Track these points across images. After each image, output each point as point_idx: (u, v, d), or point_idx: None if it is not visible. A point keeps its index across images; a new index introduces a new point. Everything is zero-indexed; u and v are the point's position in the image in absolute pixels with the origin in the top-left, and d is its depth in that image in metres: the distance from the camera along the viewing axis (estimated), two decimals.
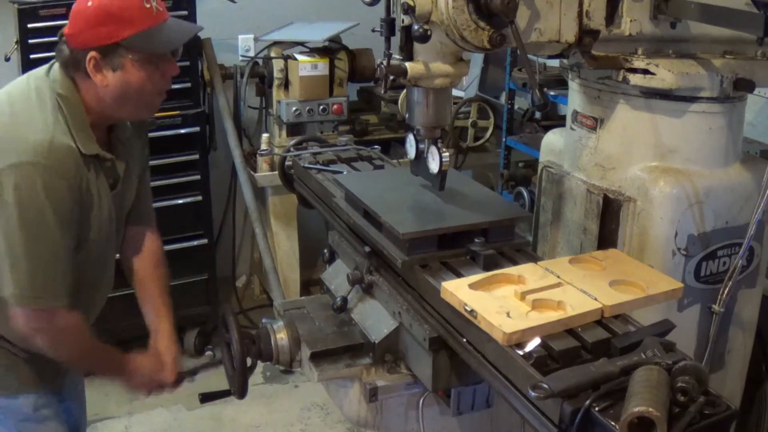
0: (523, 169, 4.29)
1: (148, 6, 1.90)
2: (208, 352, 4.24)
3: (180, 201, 3.99)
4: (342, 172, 2.43)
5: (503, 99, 4.40)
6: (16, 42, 3.57)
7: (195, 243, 4.10)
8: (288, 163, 2.71)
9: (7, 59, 3.60)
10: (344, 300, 2.02)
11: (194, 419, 3.77)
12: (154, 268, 2.37)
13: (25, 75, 2.04)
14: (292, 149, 2.69)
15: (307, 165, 2.53)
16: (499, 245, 1.91)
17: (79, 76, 1.94)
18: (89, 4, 1.88)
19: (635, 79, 2.03)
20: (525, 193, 4.06)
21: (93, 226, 1.99)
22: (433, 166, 2.01)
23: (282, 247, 4.39)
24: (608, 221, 2.17)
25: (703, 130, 2.11)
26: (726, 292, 2.03)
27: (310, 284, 4.52)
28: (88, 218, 1.96)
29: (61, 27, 1.97)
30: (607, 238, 2.16)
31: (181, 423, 3.76)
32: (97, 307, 2.26)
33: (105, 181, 2.02)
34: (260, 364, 1.97)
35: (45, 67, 2.01)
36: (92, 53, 1.88)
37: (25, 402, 2.10)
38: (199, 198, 4.08)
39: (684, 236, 2.09)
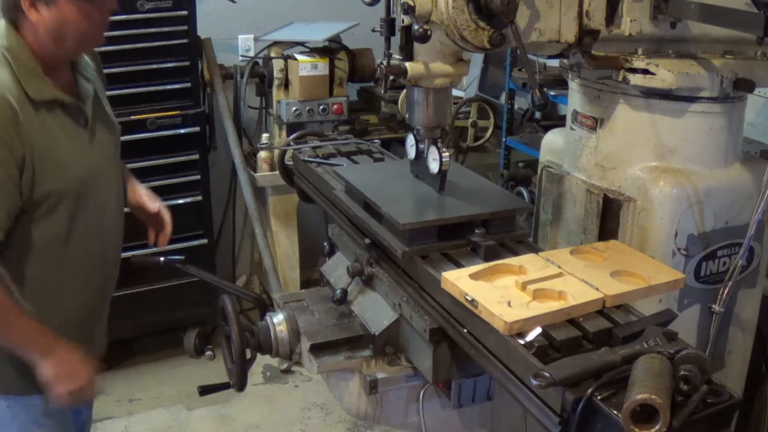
0: (523, 169, 4.28)
1: None
2: (208, 352, 4.24)
3: (180, 201, 3.97)
4: (342, 165, 2.43)
5: (503, 99, 4.39)
6: None
7: (195, 243, 4.08)
8: (288, 162, 2.71)
9: None
10: (344, 292, 2.02)
11: (194, 419, 3.76)
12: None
13: None
14: (292, 143, 2.69)
15: (307, 158, 2.52)
16: (500, 236, 1.90)
17: (20, 19, 1.91)
18: None
19: (635, 79, 2.03)
20: (525, 193, 4.05)
21: (62, 175, 1.94)
22: (434, 166, 2.02)
23: (282, 246, 4.38)
24: (608, 221, 2.17)
25: (703, 130, 2.11)
26: (726, 292, 2.03)
27: (309, 284, 4.49)
28: (48, 166, 1.91)
29: None
30: (607, 238, 2.14)
31: (181, 423, 3.75)
32: (109, 267, 2.22)
33: (73, 123, 2.00)
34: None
35: None
36: None
37: (36, 403, 2.07)
38: (199, 198, 4.07)
39: (684, 236, 2.09)
